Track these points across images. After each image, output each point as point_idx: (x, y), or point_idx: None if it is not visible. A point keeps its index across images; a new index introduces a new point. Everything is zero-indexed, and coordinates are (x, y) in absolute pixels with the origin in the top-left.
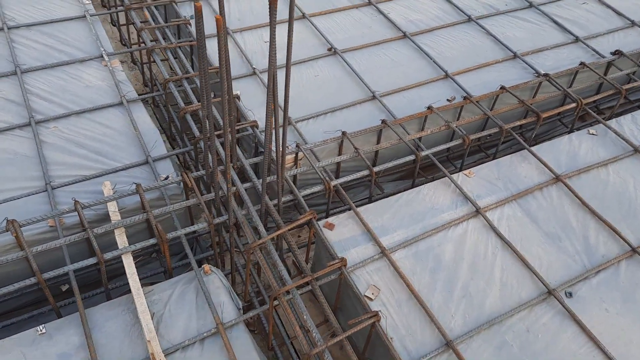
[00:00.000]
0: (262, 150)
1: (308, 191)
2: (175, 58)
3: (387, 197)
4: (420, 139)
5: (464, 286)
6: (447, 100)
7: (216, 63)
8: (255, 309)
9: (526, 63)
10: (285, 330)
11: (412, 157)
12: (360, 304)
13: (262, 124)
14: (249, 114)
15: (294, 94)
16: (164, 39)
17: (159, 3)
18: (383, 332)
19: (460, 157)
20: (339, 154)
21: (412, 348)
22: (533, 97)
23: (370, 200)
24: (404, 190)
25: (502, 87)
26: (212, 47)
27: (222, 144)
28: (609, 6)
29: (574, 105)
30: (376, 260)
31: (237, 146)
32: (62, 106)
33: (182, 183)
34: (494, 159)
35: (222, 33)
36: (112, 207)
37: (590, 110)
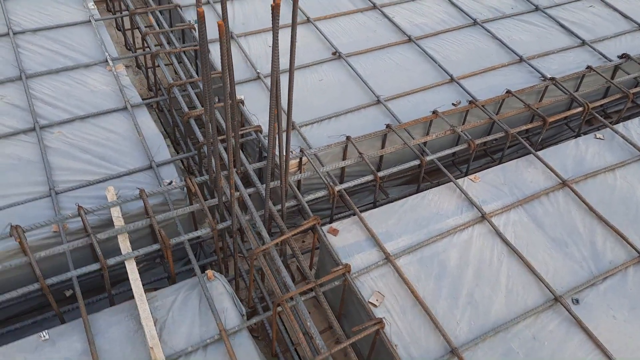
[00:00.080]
0: (266, 155)
1: (312, 196)
2: (179, 62)
3: (391, 202)
4: (425, 143)
5: (469, 292)
6: (453, 104)
7: (220, 67)
8: (258, 316)
9: (532, 67)
10: (289, 337)
11: (417, 162)
12: (364, 310)
13: (266, 128)
14: (252, 119)
15: (298, 99)
16: (168, 43)
17: (163, 8)
18: (387, 339)
19: (466, 161)
20: (344, 158)
21: (416, 355)
22: (539, 101)
23: (374, 205)
24: (409, 195)
25: (508, 91)
26: (216, 51)
27: (225, 148)
28: (615, 9)
29: (580, 109)
30: (380, 266)
31: (241, 151)
32: (67, 111)
33: (185, 188)
34: (499, 163)
35: (225, 39)
36: (116, 213)
37: (597, 115)
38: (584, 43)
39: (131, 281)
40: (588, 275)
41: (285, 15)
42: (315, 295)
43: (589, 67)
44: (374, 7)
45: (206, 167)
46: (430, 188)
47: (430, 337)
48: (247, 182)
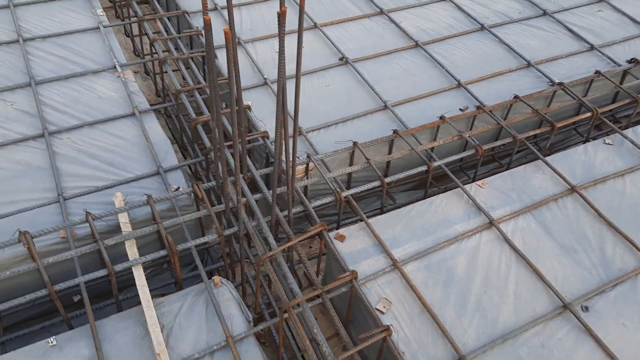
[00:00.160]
0: (273, 160)
1: (319, 202)
2: (187, 68)
3: (399, 207)
4: (432, 149)
5: (477, 300)
6: (460, 109)
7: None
8: (265, 322)
9: (540, 72)
10: (297, 343)
11: (424, 168)
12: (371, 317)
13: (272, 134)
14: (259, 125)
15: (305, 104)
16: (176, 49)
17: (171, 14)
18: (394, 347)
19: (473, 167)
20: (350, 164)
21: None
22: (547, 107)
23: (382, 211)
24: (416, 201)
25: (516, 97)
26: (223, 57)
27: (232, 154)
28: (624, 13)
29: (589, 114)
30: (388, 273)
31: (247, 157)
32: (75, 117)
33: (192, 194)
34: (507, 168)
35: (231, 46)
36: (123, 219)
37: (606, 120)
38: (592, 48)
39: (138, 287)
40: (597, 282)
41: (292, 21)
42: (322, 301)
43: (597, 72)
44: (381, 12)
45: (213, 173)
46: (438, 193)
47: (438, 345)
48: (254, 188)
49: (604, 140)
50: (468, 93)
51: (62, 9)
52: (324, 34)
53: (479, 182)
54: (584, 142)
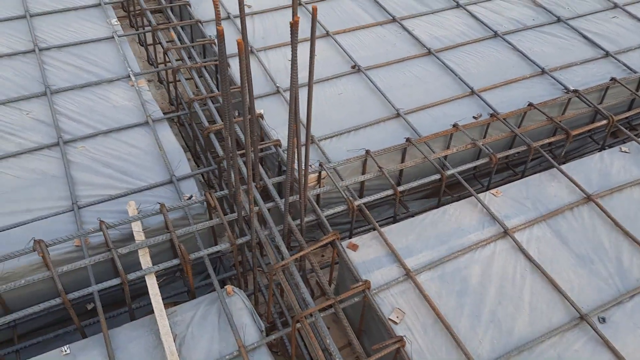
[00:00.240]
0: (285, 169)
1: (331, 211)
2: (200, 77)
3: (412, 216)
4: (445, 157)
5: (491, 310)
6: (473, 117)
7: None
8: (277, 332)
9: (554, 79)
10: (309, 353)
11: (437, 176)
12: (384, 327)
13: (285, 142)
14: (272, 133)
15: (317, 112)
16: (189, 58)
17: (185, 23)
18: (408, 358)
19: (487, 174)
20: (363, 172)
21: None
22: (562, 114)
23: (394, 219)
24: (430, 209)
25: (530, 104)
26: (236, 66)
27: (245, 163)
28: (639, 20)
29: (605, 122)
30: (401, 283)
31: (260, 165)
32: (90, 126)
33: (205, 202)
34: (522, 177)
35: (244, 56)
36: (137, 227)
37: (622, 127)
38: (607, 54)
39: (151, 296)
40: (615, 293)
41: (304, 29)
42: (335, 311)
43: (613, 79)
44: (393, 20)
45: (226, 181)
46: (451, 202)
47: (452, 356)
48: (267, 197)
49: (620, 148)
50: (481, 101)
51: (77, 18)
52: (336, 42)
53: (493, 191)
54: (600, 150)
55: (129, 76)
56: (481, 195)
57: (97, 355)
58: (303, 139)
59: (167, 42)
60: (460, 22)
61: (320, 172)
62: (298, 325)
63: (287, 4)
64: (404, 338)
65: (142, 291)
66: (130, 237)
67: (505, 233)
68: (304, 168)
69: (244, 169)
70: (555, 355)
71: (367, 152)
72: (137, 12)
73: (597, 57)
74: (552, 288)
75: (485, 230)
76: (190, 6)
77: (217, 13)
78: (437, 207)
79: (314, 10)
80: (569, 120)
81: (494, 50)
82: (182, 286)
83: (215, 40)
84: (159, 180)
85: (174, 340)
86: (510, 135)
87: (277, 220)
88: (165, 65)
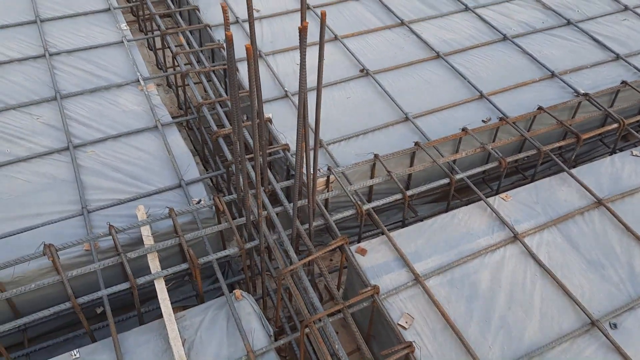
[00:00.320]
0: (294, 173)
1: (340, 215)
2: (208, 81)
3: (421, 220)
4: (454, 161)
5: (501, 316)
6: (483, 121)
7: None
8: (286, 337)
9: (564, 82)
10: (318, 358)
11: (446, 180)
12: (393, 332)
13: (293, 146)
14: (280, 137)
15: (326, 116)
16: (198, 62)
17: (193, 28)
18: None
19: (496, 178)
20: (372, 176)
21: None
22: (572, 118)
23: (403, 223)
24: (439, 214)
25: (540, 108)
26: (244, 70)
27: (253, 167)
28: None
29: (615, 125)
30: (410, 288)
31: (268, 169)
32: (100, 131)
33: (214, 207)
34: (532, 180)
35: (252, 61)
36: (146, 232)
37: (632, 131)
38: (618, 57)
39: (160, 301)
40: (626, 298)
41: (312, 33)
42: (343, 316)
43: (623, 82)
44: (402, 23)
45: (234, 186)
46: (460, 206)
47: None
48: (275, 201)
49: (632, 152)
50: (491, 104)
51: (87, 23)
52: (345, 46)
53: (503, 195)
54: (611, 153)
55: (138, 80)
56: (490, 200)
57: None
58: (311, 143)
59: (176, 46)
60: (469, 26)
61: (328, 177)
62: (307, 330)
63: (295, 8)
64: (413, 343)
65: (150, 295)
66: (139, 241)
67: (515, 238)
68: (312, 172)
69: (252, 173)
70: None
71: (376, 156)
72: (147, 16)
73: (607, 60)
74: (563, 293)
75: (495, 234)
76: (199, 11)
77: (226, 19)
78: (446, 211)
79: (323, 15)
80: (579, 123)
81: (503, 53)
82: (190, 290)
83: (224, 45)
84: (167, 185)
85: (183, 345)
86: (519, 139)
87: (286, 225)
88: (174, 70)
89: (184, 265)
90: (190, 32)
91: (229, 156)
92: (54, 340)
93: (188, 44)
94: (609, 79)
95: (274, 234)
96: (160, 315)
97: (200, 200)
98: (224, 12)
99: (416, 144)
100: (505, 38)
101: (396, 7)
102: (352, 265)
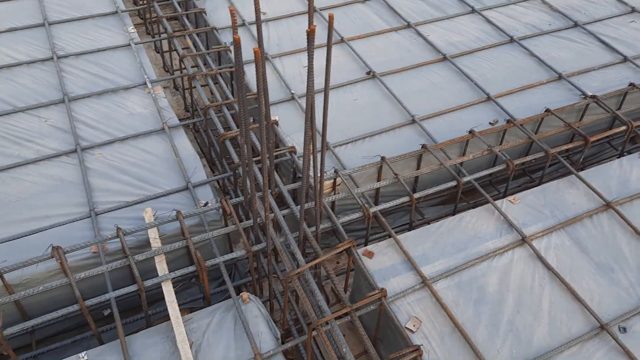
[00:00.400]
0: (300, 175)
1: (347, 218)
2: (215, 84)
3: (428, 223)
4: (461, 164)
5: (510, 319)
6: (490, 123)
7: (256, 88)
8: (293, 340)
9: (572, 84)
10: None
11: (453, 183)
12: (401, 335)
13: (300, 149)
14: (287, 140)
15: (332, 119)
16: (204, 65)
17: (200, 30)
18: None
19: (504, 181)
20: (378, 179)
21: None
22: (580, 120)
23: (410, 226)
24: (446, 216)
25: (547, 110)
26: (252, 72)
27: (260, 169)
28: None
29: (624, 128)
30: (417, 291)
31: (275, 172)
32: (107, 133)
33: (221, 209)
34: (539, 183)
35: (260, 64)
36: (153, 234)
37: None
38: (625, 59)
39: (167, 303)
40: (636, 302)
41: (319, 35)
42: (351, 319)
43: (631, 84)
44: (408, 25)
45: (241, 188)
46: (467, 208)
47: None
48: (282, 203)
49: None
50: (498, 106)
51: (94, 26)
52: (351, 48)
53: (510, 198)
54: (619, 156)
55: (146, 83)
56: (498, 202)
57: None
58: (318, 145)
59: (182, 49)
60: (476, 28)
61: (335, 179)
62: (314, 333)
63: (301, 10)
64: (421, 347)
65: (157, 297)
66: (146, 244)
67: (523, 241)
68: (319, 175)
69: (259, 176)
70: None
71: (383, 158)
72: (154, 19)
73: (615, 62)
74: (572, 297)
75: (503, 237)
76: (205, 14)
77: (234, 22)
78: (453, 214)
79: (331, 19)
80: (587, 126)
81: (510, 55)
82: (197, 292)
83: (231, 48)
84: (175, 187)
85: (190, 348)
86: (527, 142)
87: (293, 227)
88: (181, 72)
89: (191, 268)
90: (197, 35)
91: (235, 159)
92: (61, 343)
93: (195, 46)
94: (616, 81)
95: (280, 236)
96: (167, 318)
97: (207, 203)
98: (232, 16)
99: (423, 146)
100: (512, 40)
101: (402, 9)
102: (359, 268)
